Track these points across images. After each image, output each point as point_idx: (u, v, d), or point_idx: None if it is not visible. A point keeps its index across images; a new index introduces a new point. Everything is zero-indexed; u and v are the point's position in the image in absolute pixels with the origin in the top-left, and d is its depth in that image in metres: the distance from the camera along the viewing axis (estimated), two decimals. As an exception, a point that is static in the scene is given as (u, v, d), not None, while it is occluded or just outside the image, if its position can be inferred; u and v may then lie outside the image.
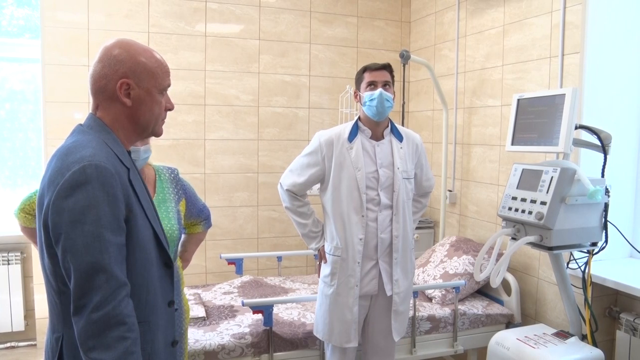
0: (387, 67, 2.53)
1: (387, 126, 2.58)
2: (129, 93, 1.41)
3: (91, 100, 1.45)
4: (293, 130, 4.33)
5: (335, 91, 4.38)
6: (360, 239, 2.49)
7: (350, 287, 2.53)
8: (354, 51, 4.47)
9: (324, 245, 2.63)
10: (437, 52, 4.25)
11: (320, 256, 2.65)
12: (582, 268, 2.52)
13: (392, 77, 2.55)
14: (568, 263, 2.55)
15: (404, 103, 4.07)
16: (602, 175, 2.41)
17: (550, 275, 3.11)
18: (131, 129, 1.46)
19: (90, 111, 1.45)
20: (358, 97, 2.57)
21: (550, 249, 2.27)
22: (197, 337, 2.71)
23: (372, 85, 2.49)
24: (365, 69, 2.53)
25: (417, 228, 3.98)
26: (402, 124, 3.91)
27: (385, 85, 2.50)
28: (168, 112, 1.53)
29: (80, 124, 1.45)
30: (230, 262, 3.56)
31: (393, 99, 2.53)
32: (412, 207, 2.73)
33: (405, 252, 2.58)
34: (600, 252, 2.43)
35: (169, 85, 1.50)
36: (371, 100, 2.47)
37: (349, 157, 2.50)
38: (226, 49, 4.10)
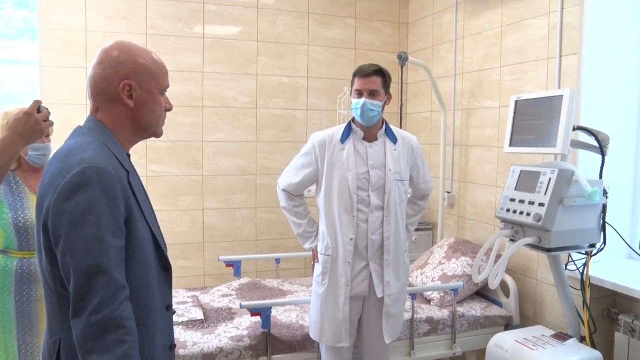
0: (377, 73, 2.50)
1: (382, 128, 2.59)
2: (132, 94, 1.41)
3: (90, 102, 1.45)
4: (291, 132, 4.33)
5: (333, 93, 4.38)
6: (351, 239, 2.51)
7: (340, 286, 2.54)
8: (352, 53, 4.47)
9: (317, 246, 2.65)
10: (435, 54, 4.26)
11: (314, 256, 2.67)
12: (581, 270, 2.52)
13: (385, 80, 2.53)
14: (566, 265, 2.56)
15: (402, 105, 4.07)
16: (601, 177, 2.42)
17: (548, 277, 3.11)
18: (133, 131, 1.46)
19: (90, 114, 1.46)
20: (351, 100, 2.58)
21: (548, 250, 2.28)
22: (195, 340, 2.71)
23: (359, 93, 2.49)
24: (356, 73, 2.52)
25: (415, 230, 3.99)
26: (400, 126, 3.91)
27: (372, 94, 2.48)
28: (167, 113, 1.54)
29: (80, 126, 1.46)
30: (229, 264, 3.55)
31: (386, 103, 2.54)
32: (410, 209, 2.75)
33: (397, 254, 2.58)
34: (599, 254, 2.44)
35: (168, 86, 1.51)
36: (355, 109, 2.50)
37: (340, 158, 2.52)
38: (224, 50, 4.11)
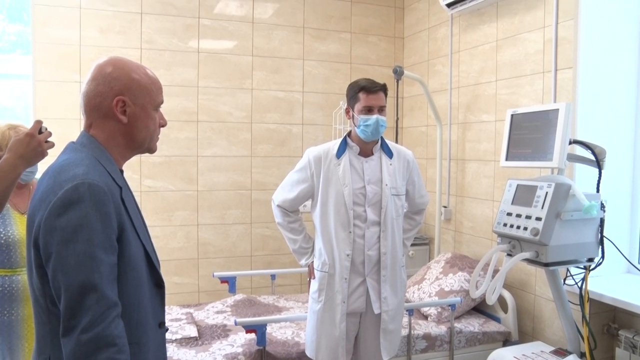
0: (384, 88, 2.51)
1: (377, 142, 2.58)
2: (125, 110, 1.41)
3: (83, 118, 1.45)
4: (286, 147, 4.33)
5: (328, 107, 4.39)
6: (348, 255, 2.50)
7: (337, 303, 2.52)
8: (348, 67, 4.49)
9: (313, 262, 2.63)
10: (431, 68, 4.27)
11: (310, 272, 2.65)
12: (579, 284, 2.51)
13: (386, 96, 2.54)
14: (565, 279, 2.55)
15: (397, 119, 4.08)
16: (597, 190, 2.42)
17: (547, 292, 3.10)
18: (126, 147, 1.46)
19: (83, 129, 1.46)
20: (351, 115, 2.55)
21: (546, 265, 2.27)
22: (188, 358, 2.68)
23: (369, 110, 2.47)
24: (361, 89, 2.48)
25: (411, 245, 3.98)
26: (396, 140, 3.92)
27: (381, 109, 2.49)
28: (161, 129, 1.54)
29: (73, 142, 1.45)
30: (223, 280, 3.54)
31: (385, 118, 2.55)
32: (406, 224, 2.74)
33: (394, 269, 2.57)
34: (597, 268, 2.43)
35: (162, 102, 1.51)
36: (366, 125, 2.46)
37: (336, 173, 2.51)
38: (219, 65, 4.11)
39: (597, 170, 2.40)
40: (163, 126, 1.53)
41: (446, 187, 4.04)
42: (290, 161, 4.24)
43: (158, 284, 1.49)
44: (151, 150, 1.52)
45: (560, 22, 3.00)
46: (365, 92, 2.47)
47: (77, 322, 1.22)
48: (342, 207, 2.50)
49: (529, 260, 2.31)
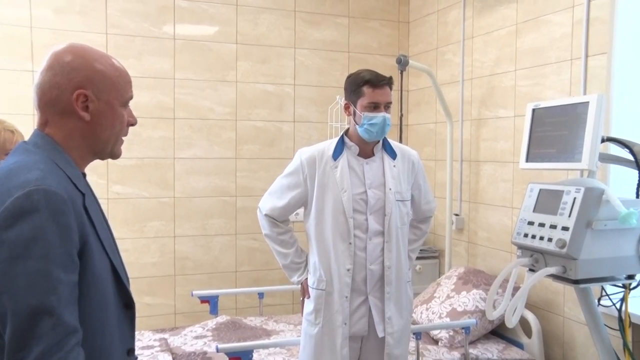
0: (390, 82, 2.49)
1: (379, 141, 2.58)
2: (87, 106, 1.39)
3: (37, 114, 1.42)
4: (276, 147, 4.33)
5: (323, 102, 4.38)
6: (348, 270, 2.48)
7: (337, 325, 2.50)
8: (345, 56, 4.48)
9: (307, 279, 2.62)
10: (440, 57, 4.27)
11: (303, 291, 2.63)
12: (618, 306, 2.47)
13: (391, 90, 2.53)
14: (599, 299, 2.51)
15: (402, 115, 4.06)
16: (637, 196, 2.39)
17: (578, 314, 3.07)
18: (87, 148, 1.44)
19: (36, 127, 1.43)
20: (351, 111, 2.53)
21: (575, 282, 2.23)
22: (163, 391, 2.64)
23: (375, 106, 2.45)
24: (365, 82, 2.46)
25: (418, 258, 4.00)
26: (400, 140, 3.91)
27: (388, 106, 2.48)
28: (130, 128, 1.52)
29: (25, 142, 1.42)
30: (204, 300, 3.54)
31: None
32: (411, 234, 2.72)
33: (399, 285, 2.56)
34: (639, 287, 2.40)
35: (131, 97, 1.49)
36: (372, 125, 2.44)
37: (333, 177, 2.50)
38: (198, 54, 4.10)
39: (636, 172, 2.38)
40: (132, 125, 1.51)
41: (458, 192, 4.03)
42: (281, 163, 4.20)
43: (127, 305, 1.47)
44: (114, 155, 1.50)
45: (593, 0, 2.98)
46: (371, 86, 2.45)
47: (26, 353, 1.18)
48: (340, 216, 2.48)
49: (555, 277, 2.28)
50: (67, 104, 1.38)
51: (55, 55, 1.40)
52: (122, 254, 1.53)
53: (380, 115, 2.44)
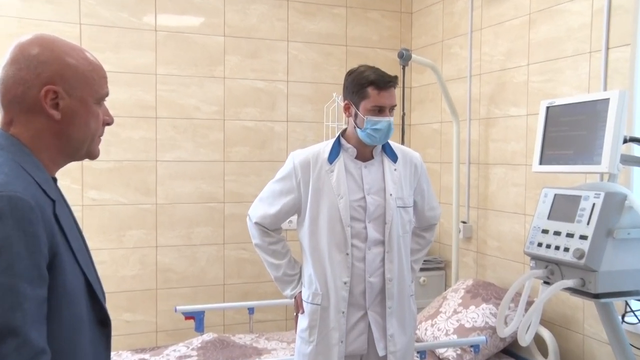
0: (396, 83, 2.49)
1: None
2: (57, 104, 1.38)
3: (1, 112, 1.41)
4: (268, 150, 4.33)
5: (319, 100, 4.38)
6: (345, 283, 2.49)
7: (333, 343, 2.50)
8: (342, 50, 4.48)
9: (301, 292, 2.63)
10: (446, 50, 4.27)
11: (297, 305, 2.64)
12: (644, 323, 2.47)
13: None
14: (623, 316, 2.51)
15: (404, 114, 4.05)
16: (664, 202, 2.39)
17: (600, 332, 3.06)
18: (59, 150, 1.43)
19: (0, 127, 1.41)
20: (352, 113, 2.51)
21: (596, 296, 2.22)
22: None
23: (379, 110, 2.44)
24: (370, 83, 2.44)
25: (422, 269, 3.99)
26: (402, 141, 3.90)
27: (392, 109, 2.48)
28: (107, 128, 1.51)
29: (-13, 143, 1.41)
30: (188, 316, 3.53)
31: None
32: (414, 243, 2.73)
33: (402, 299, 2.56)
34: (668, 303, 2.40)
35: (107, 94, 1.48)
36: (376, 130, 2.44)
37: (329, 182, 2.51)
38: (182, 47, 4.10)
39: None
40: (109, 124, 1.50)
41: (465, 197, 4.03)
42: (272, 167, 4.19)
43: (102, 323, 1.46)
44: (91, 155, 1.49)
45: (614, -13, 2.99)
46: (377, 88, 2.44)
47: (-14, 378, 1.16)
48: (336, 224, 2.48)
49: (573, 290, 2.28)
50: (35, 102, 1.37)
51: (20, 46, 1.39)
52: (97, 266, 1.52)
53: (385, 121, 2.44)
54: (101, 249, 3.90)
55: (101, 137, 1.50)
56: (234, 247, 4.26)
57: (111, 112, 1.51)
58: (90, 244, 1.54)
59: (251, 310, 3.73)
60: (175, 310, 3.53)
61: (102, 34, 3.90)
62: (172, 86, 4.08)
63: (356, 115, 2.48)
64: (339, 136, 2.58)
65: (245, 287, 4.29)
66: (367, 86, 2.44)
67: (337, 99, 4.09)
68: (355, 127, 2.50)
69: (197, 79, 4.14)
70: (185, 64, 4.11)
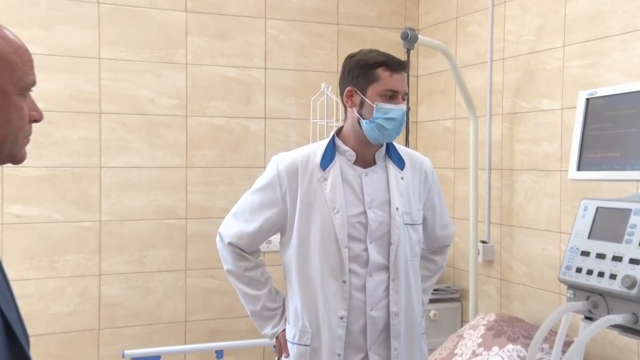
0: (404, 67, 2.52)
1: (381, 146, 2.59)
2: None
3: None
4: (241, 153, 4.35)
5: (304, 92, 4.40)
6: (342, 318, 2.48)
7: None
8: (333, 30, 4.51)
9: (284, 330, 2.63)
10: (460, 30, 4.29)
11: (280, 347, 2.63)
12: None
13: None
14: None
15: (408, 109, 4.04)
16: None
17: (658, 379, 3.07)
18: None
19: None
20: (356, 101, 2.51)
21: (652, 336, 2.23)
22: None
23: (392, 95, 2.46)
24: (381, 63, 2.46)
25: (433, 301, 4.06)
26: (407, 141, 3.91)
27: (404, 97, 2.52)
28: (35, 126, 1.48)
29: None
30: None
31: None
32: (423, 269, 2.75)
33: (410, 338, 2.57)
34: None
35: (34, 82, 1.44)
36: (387, 119, 2.45)
37: (321, 193, 2.51)
38: (133, 25, 4.10)
39: None
40: (36, 121, 1.47)
41: (485, 212, 4.05)
42: (247, 174, 4.23)
43: None
44: (15, 159, 1.46)
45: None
46: (388, 69, 2.45)
47: None
48: (331, 245, 2.48)
49: (623, 328, 2.27)
50: None
51: None
52: (21, 301, 1.49)
53: (399, 108, 2.46)
54: (27, 279, 3.87)
55: (29, 137, 1.47)
56: (198, 274, 4.27)
57: (41, 105, 1.47)
58: (11, 273, 1.50)
59: (219, 353, 3.74)
60: (123, 356, 3.52)
61: (27, 6, 3.88)
62: (121, 74, 4.07)
63: (362, 104, 2.47)
64: (333, 136, 2.58)
65: (213, 324, 4.30)
66: (376, 67, 2.46)
67: (327, 91, 4.08)
68: (358, 121, 2.49)
69: (152, 65, 4.14)
70: (137, 46, 4.10)
